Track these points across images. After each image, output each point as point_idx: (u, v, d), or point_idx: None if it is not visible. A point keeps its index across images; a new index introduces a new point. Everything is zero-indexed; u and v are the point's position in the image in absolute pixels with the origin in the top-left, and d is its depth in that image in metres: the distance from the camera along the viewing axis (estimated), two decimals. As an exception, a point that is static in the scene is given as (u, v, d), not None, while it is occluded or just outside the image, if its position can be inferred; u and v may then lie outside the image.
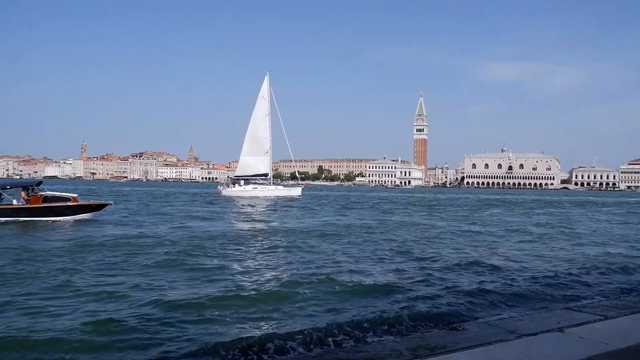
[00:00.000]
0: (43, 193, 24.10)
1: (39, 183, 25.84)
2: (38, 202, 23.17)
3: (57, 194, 25.48)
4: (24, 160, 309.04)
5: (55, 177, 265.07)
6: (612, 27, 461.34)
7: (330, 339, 6.25)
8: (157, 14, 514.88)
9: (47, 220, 22.52)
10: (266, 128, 65.67)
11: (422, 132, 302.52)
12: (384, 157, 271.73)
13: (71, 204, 23.87)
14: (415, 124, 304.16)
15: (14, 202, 23.25)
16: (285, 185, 72.55)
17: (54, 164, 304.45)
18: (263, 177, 65.47)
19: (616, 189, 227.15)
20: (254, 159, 64.95)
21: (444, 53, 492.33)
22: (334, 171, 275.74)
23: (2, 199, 23.72)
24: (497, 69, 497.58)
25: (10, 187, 24.67)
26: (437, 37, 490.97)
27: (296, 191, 64.70)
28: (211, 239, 17.17)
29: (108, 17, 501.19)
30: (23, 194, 23.50)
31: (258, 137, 65.21)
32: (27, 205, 22.95)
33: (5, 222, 21.60)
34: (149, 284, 9.76)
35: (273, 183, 67.88)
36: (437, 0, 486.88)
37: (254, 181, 64.63)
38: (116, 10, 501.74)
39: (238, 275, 10.80)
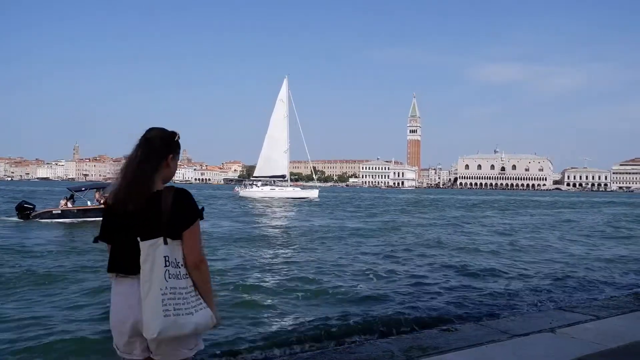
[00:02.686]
0: None
1: (110, 185, 26.80)
2: None
3: None
4: (15, 162, 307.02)
5: (47, 178, 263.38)
6: (609, 29, 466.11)
7: (322, 339, 6.23)
8: (149, 15, 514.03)
9: None
10: (284, 130, 66.32)
11: (415, 133, 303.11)
12: (378, 158, 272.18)
13: None
14: (408, 124, 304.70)
15: (88, 203, 24.45)
16: (302, 187, 72.76)
17: (46, 166, 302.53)
18: (280, 179, 65.79)
19: (608, 190, 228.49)
20: (272, 160, 65.41)
21: (440, 54, 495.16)
22: (327, 172, 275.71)
23: (75, 201, 24.81)
24: (492, 70, 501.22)
25: (85, 189, 25.98)
26: (432, 38, 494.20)
27: (313, 193, 64.64)
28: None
29: (101, 18, 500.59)
30: (97, 195, 24.32)
31: (276, 138, 66.12)
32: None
33: (83, 222, 22.67)
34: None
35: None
36: (433, 0, 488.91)
37: (271, 182, 65.03)
38: (109, 10, 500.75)
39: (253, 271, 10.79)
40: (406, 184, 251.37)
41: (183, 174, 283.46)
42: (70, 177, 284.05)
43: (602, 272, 12.31)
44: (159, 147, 2.45)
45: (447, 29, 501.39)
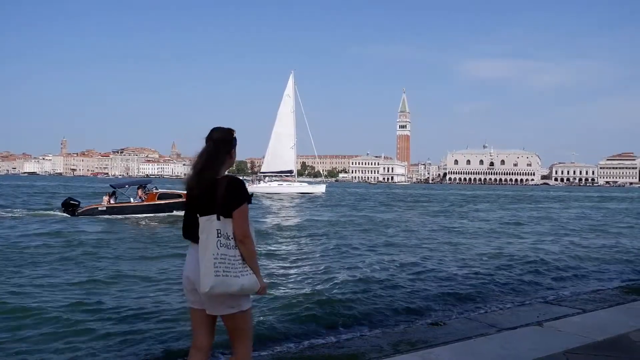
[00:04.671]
0: (157, 191, 25.68)
1: (149, 182, 27.92)
2: (154, 199, 24.63)
3: (169, 191, 26.85)
4: (2, 156, 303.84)
5: (34, 173, 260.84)
6: (597, 26, 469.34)
7: (311, 335, 6.24)
8: (141, 14, 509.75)
9: (165, 215, 23.78)
10: (291, 125, 66.43)
11: (405, 129, 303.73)
12: (367, 153, 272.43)
13: (183, 200, 24.31)
14: (398, 120, 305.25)
15: (131, 199, 25.06)
16: (309, 182, 72.89)
17: (33, 160, 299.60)
18: (287, 174, 66.01)
19: (595, 184, 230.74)
20: (279, 156, 65.45)
21: (429, 50, 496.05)
22: (317, 167, 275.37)
23: (117, 197, 25.35)
24: (481, 66, 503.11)
25: (129, 186, 26.53)
26: (422, 34, 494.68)
27: (320, 188, 64.94)
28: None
29: (90, 15, 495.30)
30: (139, 192, 25.09)
31: (283, 134, 66.17)
32: (148, 202, 24.42)
33: (125, 218, 23.14)
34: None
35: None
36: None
37: (278, 177, 65.18)
38: (99, 8, 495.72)
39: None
40: (396, 179, 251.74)
41: (172, 169, 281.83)
42: (58, 171, 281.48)
43: (589, 265, 12.42)
44: (223, 145, 3.09)
45: (437, 26, 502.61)
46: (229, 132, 3.14)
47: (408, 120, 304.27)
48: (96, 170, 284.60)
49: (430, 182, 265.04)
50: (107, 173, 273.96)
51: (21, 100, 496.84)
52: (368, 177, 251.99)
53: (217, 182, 2.97)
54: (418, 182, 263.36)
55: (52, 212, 25.15)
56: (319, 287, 9.19)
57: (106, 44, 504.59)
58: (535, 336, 5.25)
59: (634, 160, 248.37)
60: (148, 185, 26.47)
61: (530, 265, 12.13)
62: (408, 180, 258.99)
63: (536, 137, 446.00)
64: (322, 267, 11.45)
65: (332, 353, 5.13)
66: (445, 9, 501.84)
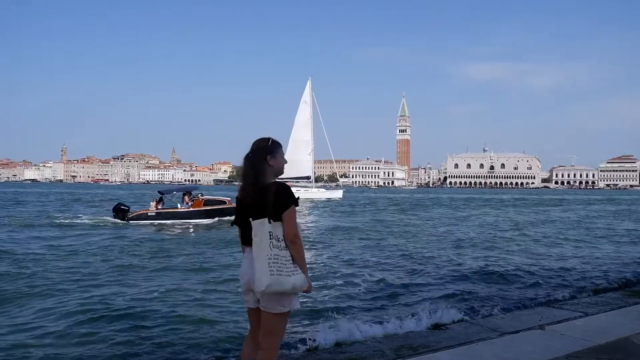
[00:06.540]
0: (203, 197, 26.15)
1: (195, 188, 28.33)
2: (200, 205, 25.24)
3: (213, 197, 27.43)
4: (2, 164, 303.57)
5: (35, 180, 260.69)
6: (595, 27, 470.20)
7: (312, 339, 6.21)
8: (139, 17, 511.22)
9: (211, 221, 24.44)
10: (308, 131, 66.97)
11: (404, 133, 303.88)
12: (367, 158, 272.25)
13: (227, 206, 25.40)
14: (398, 124, 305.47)
15: (178, 205, 25.62)
16: (327, 188, 73.38)
17: (34, 167, 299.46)
18: (305, 180, 66.63)
19: (595, 188, 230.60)
20: (297, 162, 65.70)
21: (426, 53, 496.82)
22: (317, 172, 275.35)
23: (165, 203, 25.88)
24: (479, 69, 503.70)
25: (176, 192, 27.24)
26: (419, 37, 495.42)
27: (338, 193, 66.44)
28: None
29: (90, 18, 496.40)
30: (186, 198, 25.64)
31: (300, 140, 66.62)
32: (195, 208, 25.02)
33: (173, 224, 23.71)
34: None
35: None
36: (419, 0, 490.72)
37: (296, 183, 65.48)
38: (93, 11, 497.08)
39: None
40: (396, 183, 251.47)
41: (173, 175, 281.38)
42: (59, 178, 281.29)
43: (590, 268, 12.40)
44: (259, 154, 3.31)
45: (433, 28, 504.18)
46: (262, 141, 3.38)
47: (408, 124, 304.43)
48: (97, 177, 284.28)
49: (430, 186, 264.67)
50: (107, 179, 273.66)
51: (21, 107, 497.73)
52: (368, 182, 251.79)
53: (266, 188, 3.21)
54: (419, 186, 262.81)
55: (104, 218, 25.93)
56: (320, 292, 9.17)
57: (105, 48, 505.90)
58: (538, 340, 5.23)
59: (634, 162, 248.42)
60: (194, 192, 26.90)
61: (532, 269, 12.10)
62: (409, 184, 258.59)
63: (535, 140, 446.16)
64: (323, 272, 11.44)
65: (334, 358, 5.11)
66: (441, 12, 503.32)
